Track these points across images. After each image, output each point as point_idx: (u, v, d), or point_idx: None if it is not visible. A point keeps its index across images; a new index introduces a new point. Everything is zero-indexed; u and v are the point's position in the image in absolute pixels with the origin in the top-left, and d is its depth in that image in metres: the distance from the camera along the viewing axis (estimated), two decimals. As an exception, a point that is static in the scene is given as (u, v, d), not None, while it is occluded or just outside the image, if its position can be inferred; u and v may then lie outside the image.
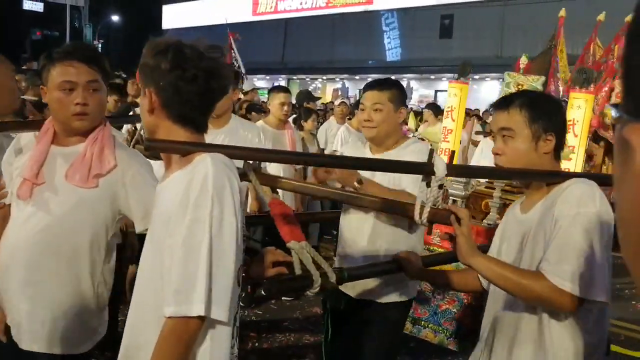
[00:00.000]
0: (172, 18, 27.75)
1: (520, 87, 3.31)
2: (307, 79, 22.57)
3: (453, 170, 1.60)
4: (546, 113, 1.52)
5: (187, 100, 1.24)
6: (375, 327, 2.14)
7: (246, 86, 6.46)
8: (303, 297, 4.09)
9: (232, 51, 7.66)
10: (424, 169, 1.58)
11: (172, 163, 1.30)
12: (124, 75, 6.25)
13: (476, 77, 18.98)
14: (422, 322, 2.99)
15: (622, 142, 0.30)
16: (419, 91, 20.26)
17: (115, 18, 30.75)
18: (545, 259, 1.37)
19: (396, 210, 1.82)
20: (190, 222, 1.15)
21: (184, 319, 1.14)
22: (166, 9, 28.37)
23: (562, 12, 3.99)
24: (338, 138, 4.98)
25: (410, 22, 19.84)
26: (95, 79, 1.66)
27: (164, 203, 1.25)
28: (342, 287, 2.00)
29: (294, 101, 8.02)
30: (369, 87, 2.19)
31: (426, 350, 3.27)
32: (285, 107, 4.08)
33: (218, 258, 1.16)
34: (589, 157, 4.28)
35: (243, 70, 7.57)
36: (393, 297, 2.12)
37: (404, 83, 20.61)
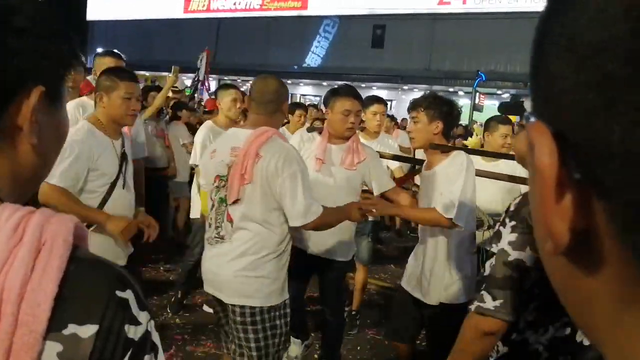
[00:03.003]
0: (97, 9, 26.35)
1: None
2: (239, 81, 22.25)
3: None
4: None
5: (450, 128, 2.53)
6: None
7: (180, 84, 6.17)
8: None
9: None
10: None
11: (435, 156, 2.48)
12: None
13: (405, 87, 19.59)
14: None
15: (529, 143, 0.30)
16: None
17: (33, 5, 28.77)
18: None
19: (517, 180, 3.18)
20: (458, 182, 2.35)
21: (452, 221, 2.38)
22: (91, 0, 26.91)
23: None
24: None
25: (344, 30, 20.14)
26: (360, 109, 2.85)
27: (442, 176, 2.41)
28: None
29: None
30: (500, 121, 3.53)
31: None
32: (239, 105, 3.90)
33: (466, 194, 2.36)
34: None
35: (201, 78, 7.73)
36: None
37: (336, 90, 20.83)
